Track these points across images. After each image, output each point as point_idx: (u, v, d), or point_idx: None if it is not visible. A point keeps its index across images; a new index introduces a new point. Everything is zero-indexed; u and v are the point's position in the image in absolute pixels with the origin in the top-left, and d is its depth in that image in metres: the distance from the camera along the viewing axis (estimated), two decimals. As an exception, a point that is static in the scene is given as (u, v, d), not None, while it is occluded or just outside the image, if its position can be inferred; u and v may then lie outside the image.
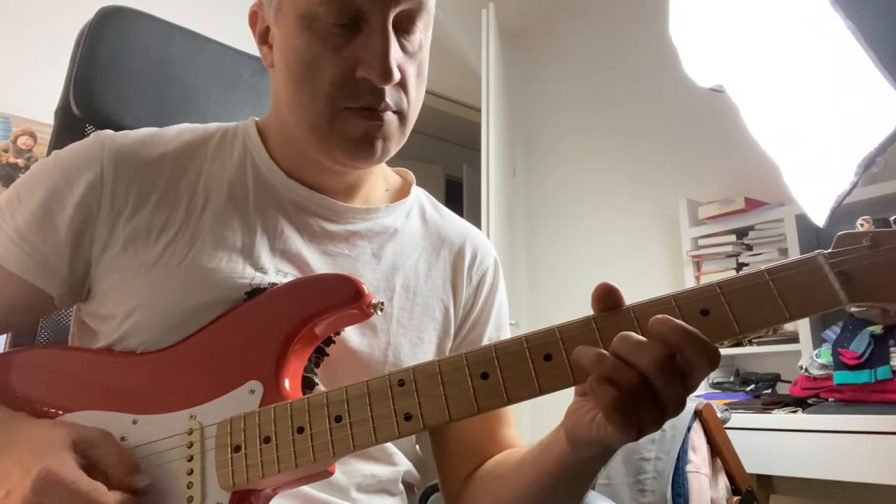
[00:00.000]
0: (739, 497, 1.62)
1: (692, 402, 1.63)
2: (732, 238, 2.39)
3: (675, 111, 2.81)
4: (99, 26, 0.92)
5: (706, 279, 2.41)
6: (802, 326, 2.11)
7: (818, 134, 0.94)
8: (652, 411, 0.47)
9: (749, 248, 2.38)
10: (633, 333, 0.47)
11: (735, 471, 1.64)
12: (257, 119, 0.78)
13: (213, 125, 0.78)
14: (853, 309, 1.82)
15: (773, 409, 1.90)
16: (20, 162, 2.10)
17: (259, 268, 0.68)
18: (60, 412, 0.62)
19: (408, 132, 0.71)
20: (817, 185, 0.94)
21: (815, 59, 0.90)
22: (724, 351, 2.26)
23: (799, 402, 1.92)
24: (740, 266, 2.37)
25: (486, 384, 0.51)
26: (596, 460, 0.58)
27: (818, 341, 2.03)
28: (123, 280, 0.67)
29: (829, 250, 0.49)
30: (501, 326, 0.83)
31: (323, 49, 0.64)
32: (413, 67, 0.68)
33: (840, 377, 1.79)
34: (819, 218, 0.92)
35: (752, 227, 2.37)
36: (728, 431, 1.67)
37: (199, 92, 0.99)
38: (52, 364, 0.67)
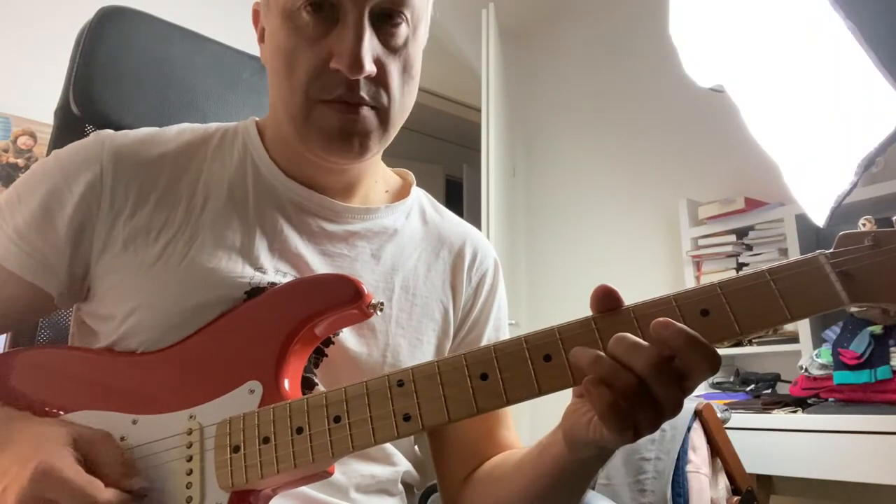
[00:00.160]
0: (739, 497, 1.62)
1: (692, 403, 1.63)
2: (732, 238, 2.39)
3: (675, 111, 2.81)
4: (99, 26, 0.92)
5: (706, 279, 2.41)
6: (802, 326, 2.11)
7: (818, 134, 0.94)
8: (648, 413, 0.47)
9: (749, 248, 2.38)
10: (629, 335, 0.47)
11: (735, 471, 1.64)
12: (257, 119, 0.78)
13: (213, 125, 0.78)
14: (853, 309, 1.82)
15: (773, 409, 1.90)
16: (20, 162, 2.10)
17: (258, 267, 0.68)
18: (60, 412, 0.62)
19: (391, 129, 0.69)
20: (817, 185, 0.94)
21: (815, 59, 0.90)
22: (724, 351, 2.26)
23: (799, 402, 1.92)
24: (740, 266, 2.37)
25: (486, 385, 0.51)
26: (594, 461, 0.58)
27: (818, 341, 2.03)
28: (123, 280, 0.67)
29: (831, 250, 0.49)
30: (501, 327, 0.83)
31: (301, 41, 0.64)
32: (396, 63, 0.66)
33: (840, 377, 1.79)
34: (819, 218, 0.92)
35: (752, 227, 2.37)
36: (728, 431, 1.67)
37: (199, 92, 0.99)
38: (51, 364, 0.67)
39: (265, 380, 0.59)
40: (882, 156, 1.24)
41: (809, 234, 2.16)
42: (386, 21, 0.65)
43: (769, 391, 2.14)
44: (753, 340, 2.26)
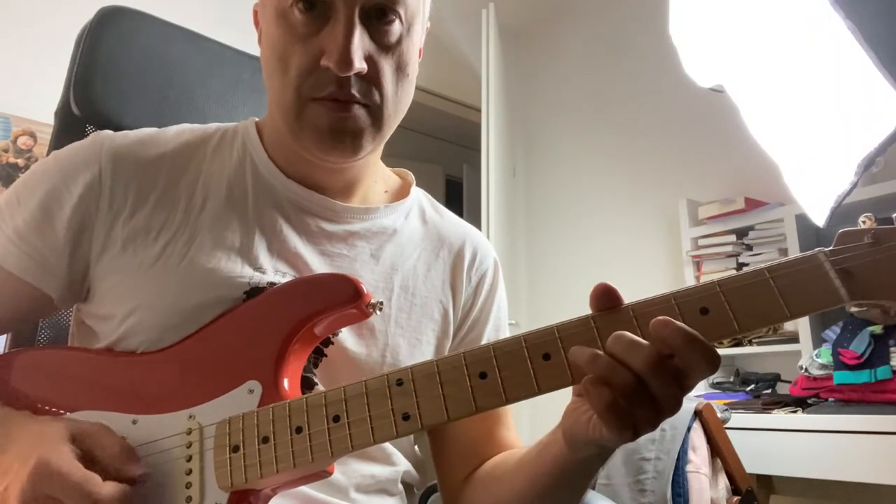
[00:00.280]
0: (739, 497, 1.62)
1: (692, 403, 1.63)
2: (732, 238, 2.39)
3: (675, 111, 2.81)
4: (99, 26, 0.92)
5: (706, 279, 2.40)
6: (802, 326, 2.11)
7: (818, 134, 0.94)
8: (647, 412, 0.46)
9: (749, 248, 2.38)
10: (627, 333, 0.47)
11: (735, 471, 1.64)
12: (257, 119, 0.78)
13: (212, 125, 0.78)
14: (853, 309, 1.82)
15: (773, 409, 1.90)
16: (20, 162, 2.10)
17: (257, 267, 0.68)
18: (61, 412, 0.62)
19: (385, 128, 0.68)
20: (817, 185, 0.94)
21: (815, 59, 0.90)
22: (724, 351, 2.26)
23: (799, 402, 1.92)
24: (740, 266, 2.37)
25: (485, 384, 0.51)
26: (594, 460, 0.58)
27: (818, 341, 2.03)
28: (122, 280, 0.67)
29: (830, 248, 0.49)
30: (500, 327, 0.83)
31: (293, 39, 0.64)
32: (389, 61, 0.66)
33: (840, 377, 1.79)
34: (819, 218, 0.92)
35: (752, 227, 2.37)
36: (728, 431, 1.67)
37: (199, 92, 0.99)
38: (52, 365, 0.67)
39: (264, 380, 0.59)
40: (882, 156, 1.24)
41: (809, 234, 2.16)
42: (378, 18, 0.64)
43: (769, 391, 2.14)
44: (753, 340, 2.26)
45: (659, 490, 1.51)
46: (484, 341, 0.79)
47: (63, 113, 0.92)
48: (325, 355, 0.68)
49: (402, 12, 0.65)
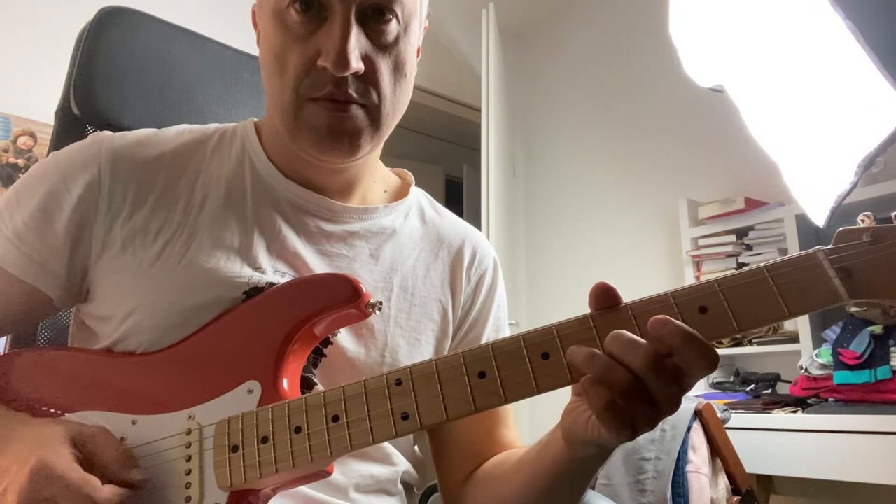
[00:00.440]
0: (739, 497, 1.62)
1: (692, 403, 1.63)
2: (732, 238, 2.39)
3: (675, 111, 2.81)
4: (99, 26, 0.92)
5: (706, 279, 2.40)
6: (802, 326, 2.11)
7: (818, 134, 0.93)
8: (645, 411, 0.46)
9: (749, 248, 2.38)
10: (625, 332, 0.47)
11: (735, 471, 1.64)
12: (256, 120, 0.78)
13: (212, 126, 0.78)
14: (853, 309, 1.82)
15: (773, 409, 1.90)
16: (20, 162, 2.10)
17: (257, 267, 0.68)
18: (60, 412, 0.62)
19: (383, 128, 0.68)
20: (817, 185, 0.94)
21: (815, 60, 0.90)
22: (724, 351, 2.26)
23: (799, 402, 1.92)
24: (740, 266, 2.37)
25: (484, 383, 0.51)
26: (593, 460, 0.57)
27: (818, 341, 2.03)
28: (122, 281, 0.67)
29: (829, 246, 0.48)
30: (500, 327, 0.83)
31: (290, 40, 0.64)
32: (387, 61, 0.66)
33: (840, 377, 1.79)
34: (819, 218, 0.92)
35: (752, 227, 2.37)
36: (728, 431, 1.67)
37: (199, 92, 0.99)
38: (51, 365, 0.67)
39: (264, 380, 0.59)
40: (882, 156, 1.24)
41: (809, 234, 2.16)
42: (375, 18, 0.64)
43: (769, 391, 2.14)
44: (753, 340, 2.26)
45: (659, 490, 1.51)
46: (483, 341, 0.79)
47: (63, 113, 0.93)
48: (325, 355, 0.68)
49: (398, 12, 0.65)
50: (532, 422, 2.50)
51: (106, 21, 0.93)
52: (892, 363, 1.72)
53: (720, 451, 1.63)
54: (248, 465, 0.55)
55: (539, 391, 0.50)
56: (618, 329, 0.47)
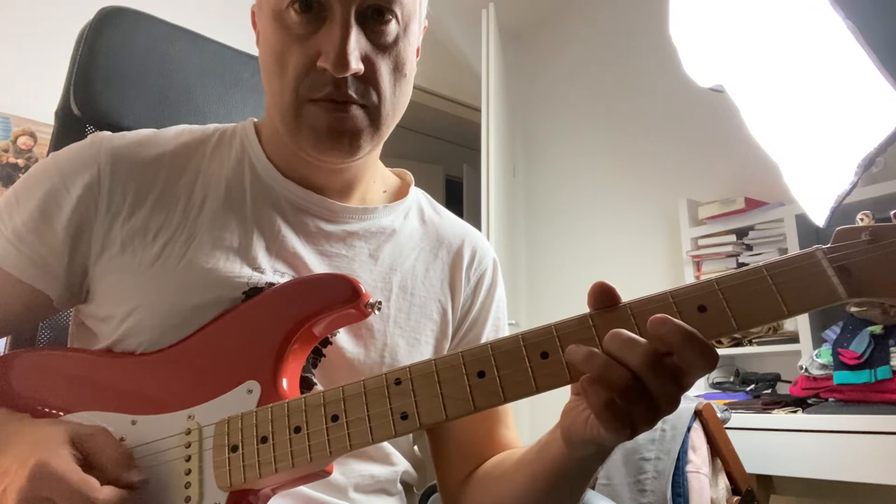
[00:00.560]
0: (739, 497, 1.62)
1: (692, 402, 1.63)
2: (732, 238, 2.39)
3: (675, 111, 2.81)
4: (99, 26, 0.92)
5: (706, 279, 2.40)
6: (802, 326, 2.11)
7: (818, 134, 0.93)
8: (644, 410, 0.46)
9: (749, 248, 2.38)
10: (623, 330, 0.47)
11: (735, 471, 1.64)
12: (255, 120, 0.78)
13: (211, 126, 0.78)
14: (853, 309, 1.82)
15: (773, 409, 1.90)
16: (20, 162, 2.10)
17: (256, 267, 0.68)
18: (60, 413, 0.62)
19: (383, 128, 0.68)
20: (817, 185, 0.94)
21: (815, 59, 0.90)
22: (723, 351, 2.26)
23: (799, 402, 1.92)
24: (740, 266, 2.36)
25: (483, 383, 0.51)
26: (592, 459, 0.57)
27: (818, 341, 2.03)
28: (121, 281, 0.67)
29: (828, 245, 0.48)
30: (500, 327, 0.83)
31: (289, 41, 0.64)
32: (386, 61, 0.66)
33: (840, 377, 1.79)
34: (819, 218, 0.92)
35: (752, 227, 2.37)
36: (728, 431, 1.67)
37: (199, 92, 0.99)
38: (51, 366, 0.67)
39: (263, 380, 0.59)
40: (882, 156, 1.24)
41: (809, 234, 2.16)
42: (375, 19, 0.64)
43: (769, 391, 2.14)
44: (753, 340, 2.26)
45: (659, 490, 1.51)
46: (483, 341, 0.79)
47: (63, 113, 0.92)
48: (324, 355, 0.68)
49: (398, 12, 0.65)
50: (532, 422, 2.50)
51: (106, 21, 0.93)
52: (892, 363, 1.72)
53: (720, 451, 1.63)
54: (247, 465, 0.55)
55: (538, 390, 0.50)
56: (617, 328, 0.47)
